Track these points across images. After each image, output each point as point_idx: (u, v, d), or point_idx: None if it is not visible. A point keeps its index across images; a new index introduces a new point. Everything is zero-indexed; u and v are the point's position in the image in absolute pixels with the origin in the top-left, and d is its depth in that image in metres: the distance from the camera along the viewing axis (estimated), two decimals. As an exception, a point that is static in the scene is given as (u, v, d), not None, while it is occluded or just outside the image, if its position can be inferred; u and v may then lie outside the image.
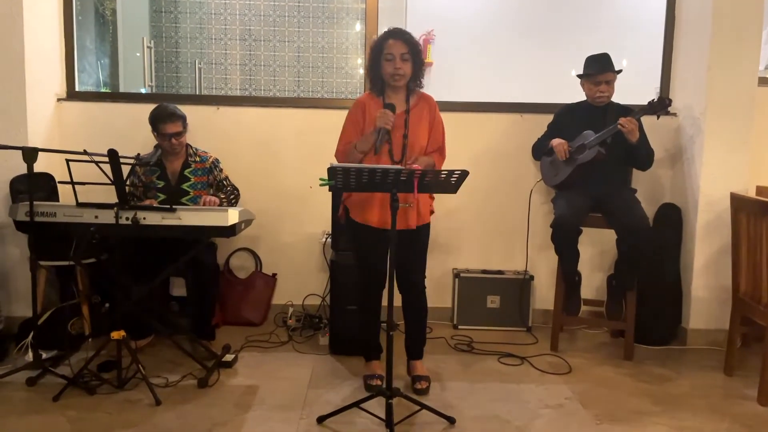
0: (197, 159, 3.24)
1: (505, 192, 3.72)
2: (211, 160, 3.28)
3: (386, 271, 2.51)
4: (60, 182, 3.14)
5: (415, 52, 2.62)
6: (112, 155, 2.51)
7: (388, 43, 2.60)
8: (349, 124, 2.71)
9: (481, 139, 3.69)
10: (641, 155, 3.20)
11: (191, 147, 3.25)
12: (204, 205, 3.07)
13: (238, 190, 3.32)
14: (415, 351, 2.88)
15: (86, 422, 2.35)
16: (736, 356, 3.03)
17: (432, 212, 2.80)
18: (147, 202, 2.99)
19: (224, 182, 3.30)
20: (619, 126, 3.02)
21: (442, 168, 2.47)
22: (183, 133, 3.14)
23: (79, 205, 2.64)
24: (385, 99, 2.66)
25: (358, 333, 2.96)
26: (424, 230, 2.74)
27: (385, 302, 2.54)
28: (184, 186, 3.19)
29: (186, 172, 3.20)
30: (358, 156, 2.61)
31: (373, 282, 2.77)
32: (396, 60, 2.59)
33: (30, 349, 2.87)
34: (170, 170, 3.20)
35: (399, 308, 2.84)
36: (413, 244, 2.69)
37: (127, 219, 2.59)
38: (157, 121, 3.08)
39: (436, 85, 4.84)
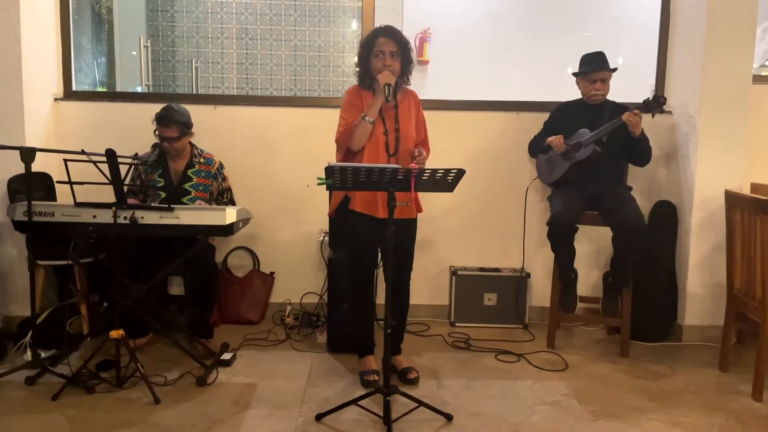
0: (202, 160, 3.25)
1: (502, 190, 3.74)
2: (216, 165, 3.28)
3: (377, 265, 2.66)
4: (58, 182, 3.15)
5: (404, 51, 2.70)
6: (110, 155, 2.52)
7: (379, 41, 2.68)
8: (349, 106, 2.74)
9: (477, 138, 3.70)
10: (643, 149, 3.22)
11: (196, 147, 3.26)
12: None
13: (234, 204, 3.33)
14: (396, 346, 2.93)
15: (85, 421, 2.36)
16: (731, 352, 3.05)
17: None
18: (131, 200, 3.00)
19: (225, 193, 3.31)
20: (624, 119, 3.04)
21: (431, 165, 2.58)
22: (178, 138, 3.12)
23: (77, 204, 2.65)
24: (375, 93, 2.71)
25: (352, 329, 2.98)
26: (415, 222, 2.83)
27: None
28: (186, 186, 3.19)
29: (189, 173, 3.21)
30: (367, 126, 2.63)
31: (367, 276, 2.81)
32: (386, 57, 2.66)
33: (29, 349, 2.88)
34: (173, 169, 3.20)
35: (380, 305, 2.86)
36: (407, 236, 2.77)
37: (125, 218, 2.60)
38: (157, 121, 3.11)
39: (432, 84, 4.84)
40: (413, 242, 2.86)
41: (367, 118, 2.63)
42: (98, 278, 3.13)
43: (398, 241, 2.71)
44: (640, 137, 3.11)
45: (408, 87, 2.83)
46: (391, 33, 2.68)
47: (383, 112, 2.70)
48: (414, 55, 2.79)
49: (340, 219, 2.80)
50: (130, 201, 2.95)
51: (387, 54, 2.66)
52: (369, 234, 2.71)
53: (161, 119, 3.09)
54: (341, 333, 3.15)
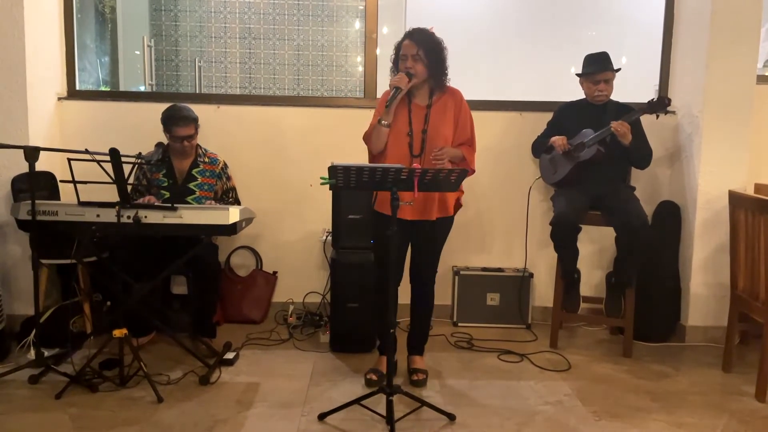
0: (206, 160, 3.25)
1: (505, 190, 3.74)
2: (220, 164, 3.29)
3: (403, 265, 2.65)
4: (62, 181, 3.15)
5: (429, 51, 2.63)
6: (114, 154, 2.52)
7: (404, 44, 2.66)
8: (377, 110, 2.75)
9: (480, 137, 3.63)
10: (635, 156, 3.23)
11: (200, 147, 3.26)
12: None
13: (239, 203, 3.33)
14: (417, 346, 2.91)
15: (88, 420, 2.36)
16: (734, 353, 3.05)
17: (460, 206, 2.80)
18: (146, 199, 3.00)
19: (230, 193, 3.32)
20: (612, 129, 3.04)
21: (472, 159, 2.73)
22: (195, 135, 3.14)
23: (81, 203, 2.65)
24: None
25: (375, 328, 2.98)
26: (445, 223, 2.77)
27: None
28: (191, 185, 3.19)
29: (194, 172, 3.21)
30: (382, 130, 2.64)
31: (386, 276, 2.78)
32: (408, 60, 2.63)
33: (32, 347, 2.89)
34: (178, 168, 3.20)
35: (402, 305, 2.86)
36: (432, 237, 2.74)
37: (128, 217, 2.60)
38: (169, 122, 3.08)
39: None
40: (436, 244, 2.80)
41: (383, 122, 2.63)
42: (101, 277, 3.14)
43: (419, 243, 2.75)
44: (631, 145, 3.10)
45: (449, 86, 2.76)
46: (412, 35, 2.65)
47: (412, 114, 2.67)
48: (446, 54, 2.70)
49: (374, 217, 2.78)
50: (145, 200, 2.96)
51: (409, 57, 2.62)
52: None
53: (180, 120, 3.06)
54: (344, 332, 3.15)
